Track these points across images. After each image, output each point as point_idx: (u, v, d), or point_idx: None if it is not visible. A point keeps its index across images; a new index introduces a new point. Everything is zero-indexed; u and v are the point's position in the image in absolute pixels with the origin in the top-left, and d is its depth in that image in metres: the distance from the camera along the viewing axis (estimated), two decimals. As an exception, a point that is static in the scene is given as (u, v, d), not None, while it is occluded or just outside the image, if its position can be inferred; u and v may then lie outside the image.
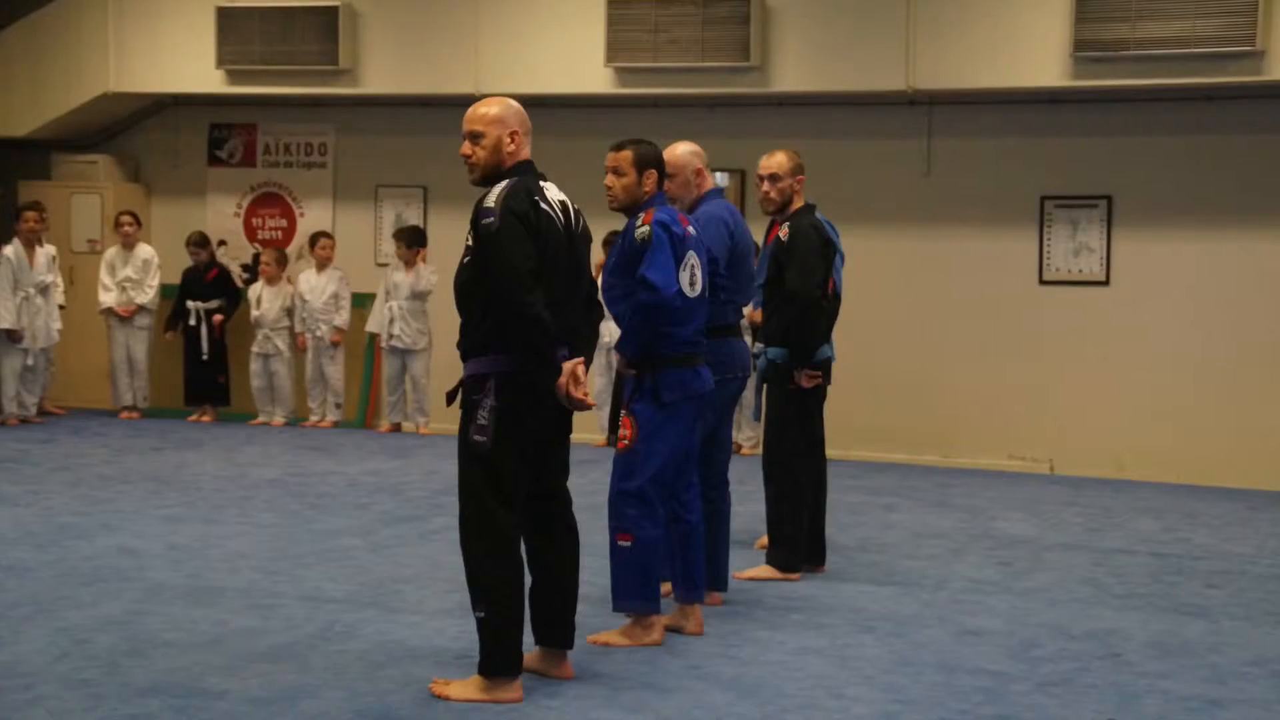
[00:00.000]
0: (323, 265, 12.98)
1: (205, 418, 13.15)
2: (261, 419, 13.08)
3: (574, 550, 5.37)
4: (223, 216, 13.98)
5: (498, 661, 5.08)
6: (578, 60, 11.96)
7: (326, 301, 12.91)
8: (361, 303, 13.02)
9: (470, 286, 5.11)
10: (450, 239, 11.44)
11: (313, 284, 12.96)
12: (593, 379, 11.78)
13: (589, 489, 7.74)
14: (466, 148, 5.22)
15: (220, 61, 12.85)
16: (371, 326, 12.89)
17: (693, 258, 5.84)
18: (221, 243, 13.85)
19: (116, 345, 13.21)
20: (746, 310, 7.29)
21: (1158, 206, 11.35)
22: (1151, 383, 11.34)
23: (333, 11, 12.44)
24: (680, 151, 6.65)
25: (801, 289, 7.08)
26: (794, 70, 11.51)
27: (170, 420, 13.03)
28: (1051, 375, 11.59)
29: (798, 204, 7.29)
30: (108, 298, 13.10)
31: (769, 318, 7.30)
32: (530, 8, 12.20)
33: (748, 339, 7.80)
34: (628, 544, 5.76)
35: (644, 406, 5.81)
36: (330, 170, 13.69)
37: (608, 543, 5.85)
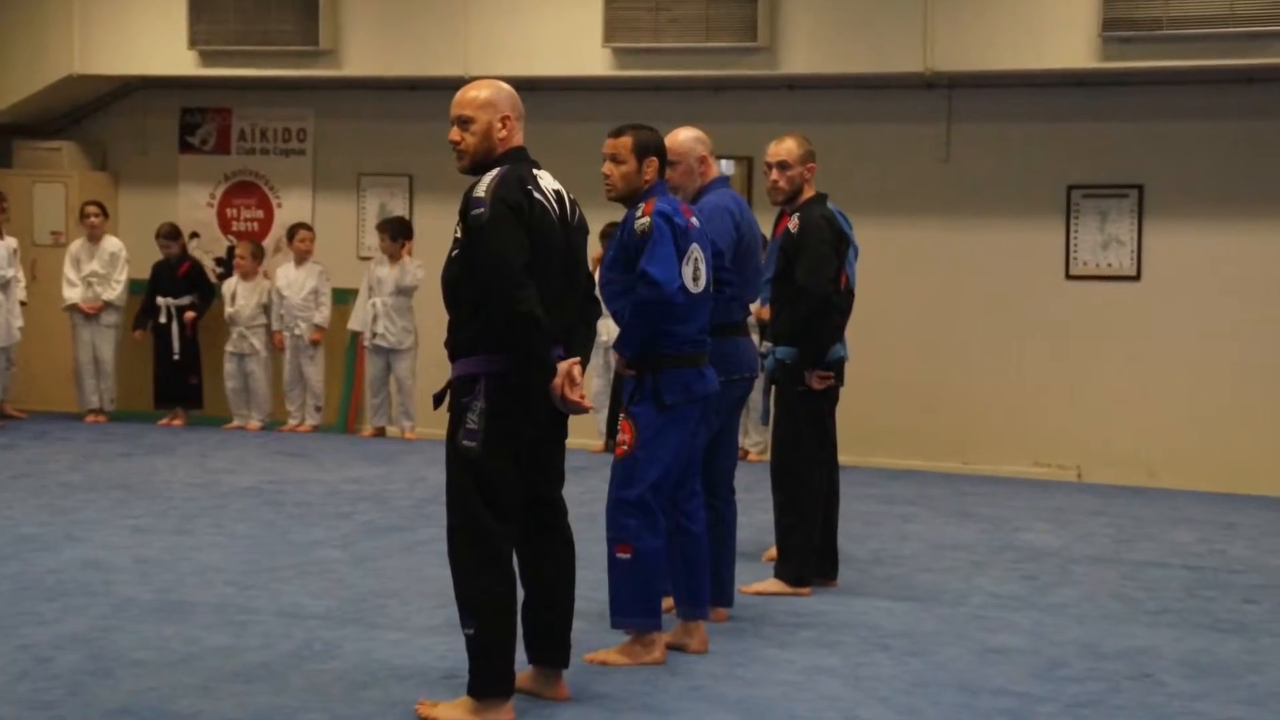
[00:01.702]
0: (301, 259, 12.98)
1: (176, 421, 13.15)
2: (236, 423, 13.08)
3: (569, 563, 5.37)
4: (195, 207, 13.98)
5: (488, 681, 5.08)
6: (574, 40, 11.95)
7: (305, 298, 12.91)
8: (343, 299, 13.02)
9: (459, 281, 5.12)
10: (437, 231, 11.44)
11: (291, 279, 12.96)
12: (589, 380, 11.79)
13: (586, 497, 7.75)
14: (455, 134, 5.22)
15: (192, 41, 12.85)
16: (353, 324, 12.89)
17: (696, 251, 5.84)
18: (194, 235, 13.85)
19: (82, 344, 13.21)
20: (753, 307, 7.29)
21: (1192, 196, 11.35)
22: (1186, 384, 11.33)
23: (313, -12, 12.47)
24: (683, 138, 6.66)
25: (812, 284, 7.08)
26: (804, 51, 11.51)
27: (139, 424, 13.03)
28: (1079, 376, 11.59)
29: (808, 193, 7.29)
30: (72, 293, 13.10)
31: (777, 315, 7.30)
32: (523, -16, 12.22)
33: (755, 337, 7.81)
34: (627, 556, 5.76)
35: (644, 409, 5.81)
36: (310, 158, 13.69)
37: (605, 555, 5.85)
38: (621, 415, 5.90)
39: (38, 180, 13.84)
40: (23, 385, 13.38)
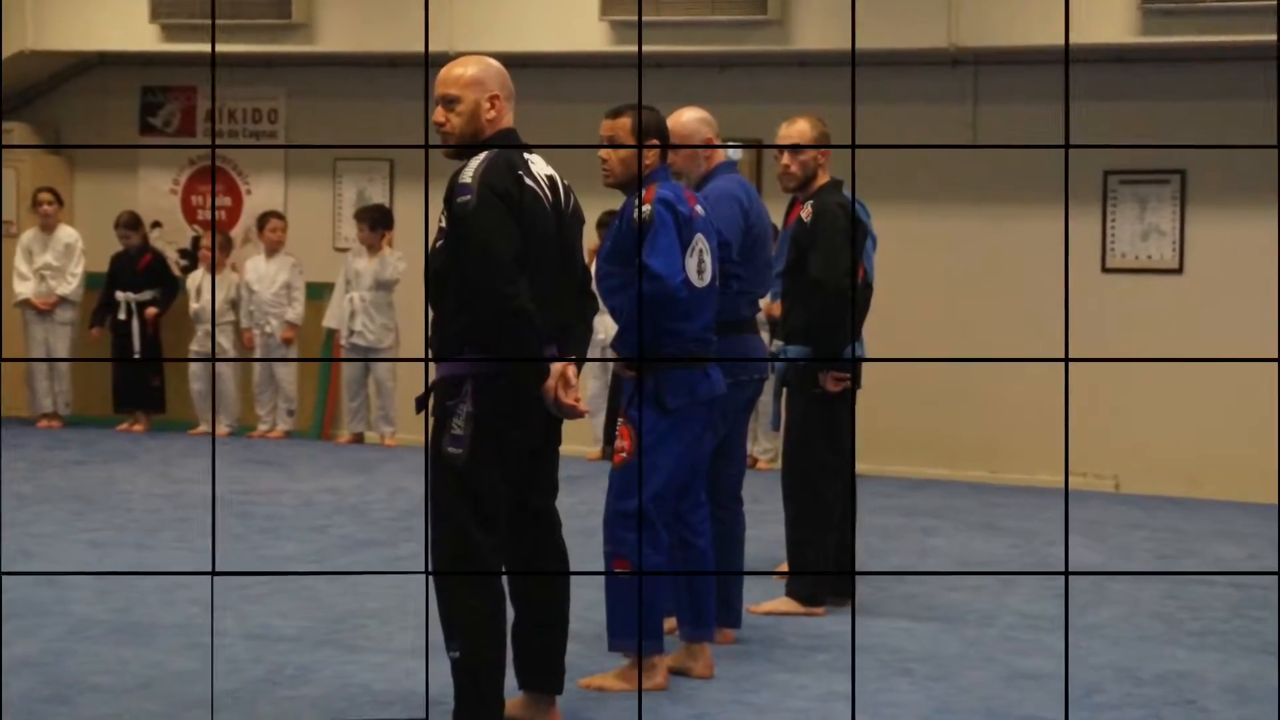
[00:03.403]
0: (273, 250, 12.99)
1: (137, 427, 13.16)
2: (202, 428, 13.08)
3: (563, 580, 5.37)
4: (157, 194, 13.99)
5: (475, 708, 5.08)
6: (568, 13, 11.96)
7: (277, 292, 12.91)
8: (317, 294, 13.02)
9: (444, 275, 5.12)
10: (420, 220, 11.44)
11: (261, 272, 12.96)
12: (585, 382, 11.79)
13: (581, 509, 7.75)
14: (439, 115, 5.23)
15: (154, 15, 12.85)
16: (329, 321, 12.89)
17: (701, 242, 5.84)
18: (156, 224, 13.85)
19: (34, 343, 13.21)
20: (763, 302, 7.29)
21: (1239, 182, 11.35)
22: (1231, 386, 11.33)
23: (285, -43, 12.47)
24: (687, 119, 6.66)
25: (827, 278, 7.08)
26: (818, 25, 11.51)
27: (96, 429, 13.04)
28: (1116, 378, 11.57)
29: (822, 180, 7.29)
30: (24, 288, 13.11)
31: (789, 311, 7.30)
32: (513, -48, 12.22)
33: (765, 336, 7.81)
34: (626, 572, 5.77)
35: (645, 413, 5.81)
36: (281, 140, 13.68)
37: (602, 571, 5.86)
38: (620, 420, 5.90)
39: (-14, 165, 13.86)
40: (-30, 387, 13.40)
